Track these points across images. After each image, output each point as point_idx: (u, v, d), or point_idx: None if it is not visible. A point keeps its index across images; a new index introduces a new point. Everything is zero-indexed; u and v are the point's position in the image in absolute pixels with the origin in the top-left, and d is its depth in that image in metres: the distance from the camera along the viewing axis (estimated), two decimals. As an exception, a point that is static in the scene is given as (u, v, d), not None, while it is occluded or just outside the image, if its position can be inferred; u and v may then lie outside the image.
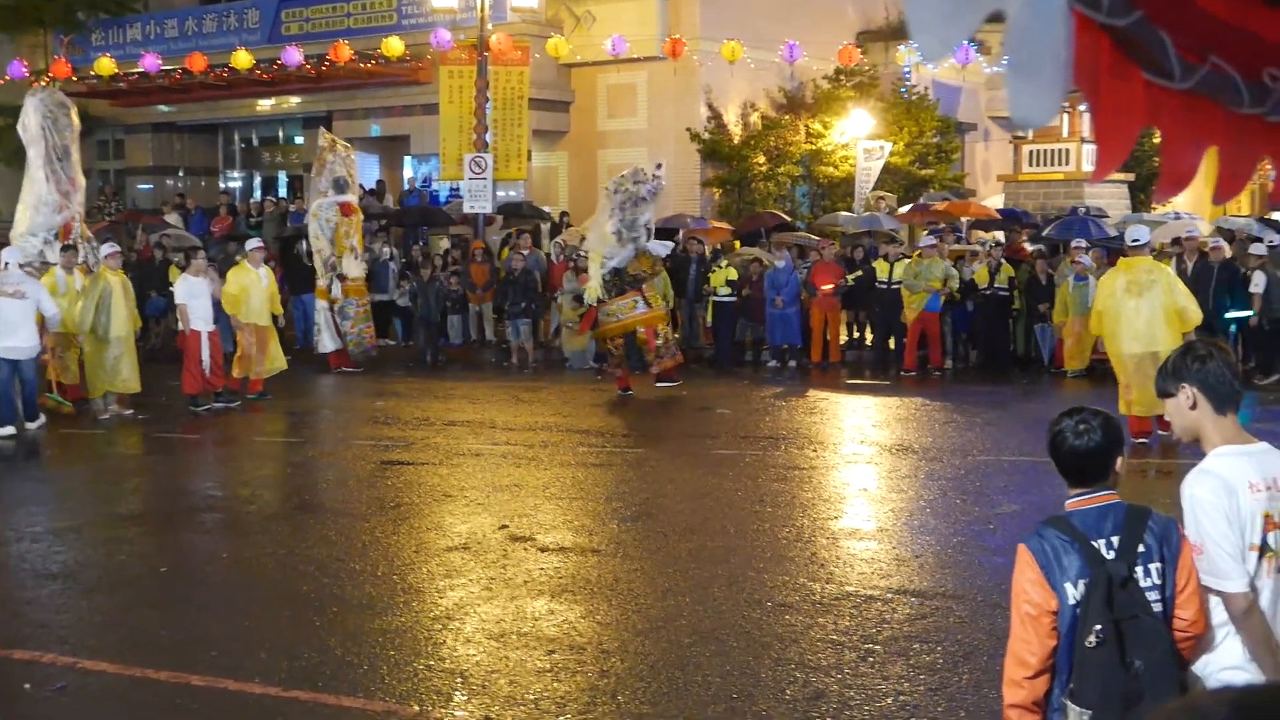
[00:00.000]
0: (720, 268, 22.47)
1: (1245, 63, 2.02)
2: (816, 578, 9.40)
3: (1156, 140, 1.99)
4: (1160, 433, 13.97)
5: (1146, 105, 1.83)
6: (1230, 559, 3.92)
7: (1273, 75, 2.10)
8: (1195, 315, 14.04)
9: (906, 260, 21.68)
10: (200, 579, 9.84)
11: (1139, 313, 13.99)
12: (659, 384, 19.20)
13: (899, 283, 21.32)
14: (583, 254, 21.46)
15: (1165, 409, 4.23)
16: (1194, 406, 4.08)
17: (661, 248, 19.68)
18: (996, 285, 21.25)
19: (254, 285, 18.40)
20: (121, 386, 17.30)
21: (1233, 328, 19.42)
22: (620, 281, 18.66)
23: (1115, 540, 3.97)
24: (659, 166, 19.45)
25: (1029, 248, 22.65)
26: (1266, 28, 2.18)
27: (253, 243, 19.45)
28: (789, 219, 27.77)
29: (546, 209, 29.65)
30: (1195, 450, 4.23)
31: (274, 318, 18.94)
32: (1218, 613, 4.04)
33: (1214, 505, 3.95)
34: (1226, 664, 4.05)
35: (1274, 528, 3.96)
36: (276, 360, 18.84)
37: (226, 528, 11.59)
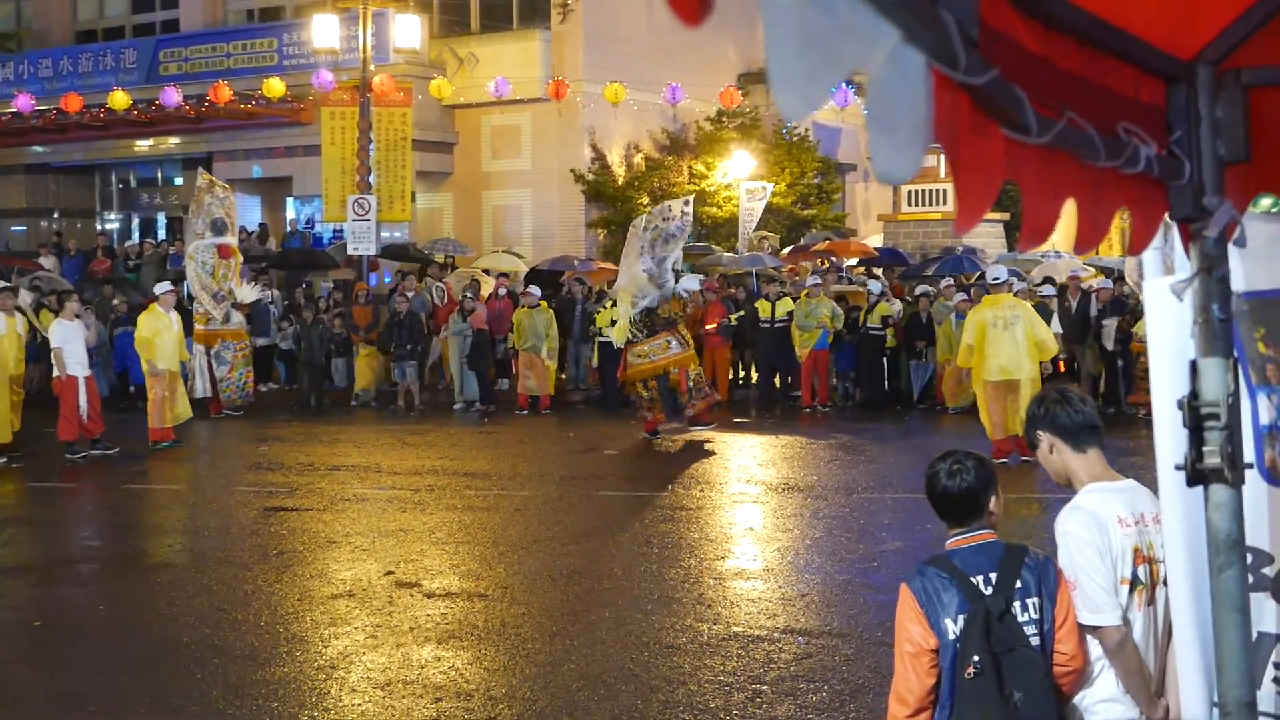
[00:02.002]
0: (605, 308, 22.51)
1: (1100, 117, 2.08)
2: (704, 619, 9.42)
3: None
4: (1023, 458, 14.71)
5: (1006, 160, 1.87)
6: (1104, 592, 4.00)
7: (1126, 129, 2.17)
8: (1052, 346, 15.80)
9: (789, 299, 21.97)
10: (77, 632, 9.58)
11: (1003, 345, 15.25)
12: (692, 428, 18.70)
13: (782, 321, 21.60)
14: (609, 295, 21.55)
15: (1040, 458, 4.34)
16: (1052, 450, 4.21)
17: (692, 282, 19.49)
18: (869, 325, 21.60)
19: (166, 329, 18.18)
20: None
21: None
22: (652, 322, 18.22)
23: (993, 576, 4.06)
24: (686, 203, 19.12)
25: (917, 288, 23.02)
26: (1119, 83, 2.25)
27: (162, 286, 19.17)
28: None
29: (428, 250, 29.51)
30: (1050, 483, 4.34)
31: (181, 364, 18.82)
32: (1094, 647, 4.12)
33: (1086, 540, 4.04)
34: (1102, 696, 4.13)
35: (1143, 561, 4.05)
36: (184, 408, 18.57)
37: (104, 579, 11.33)
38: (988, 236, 30.75)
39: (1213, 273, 2.45)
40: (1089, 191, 2.13)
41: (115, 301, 23.06)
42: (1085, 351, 20.44)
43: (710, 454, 17.39)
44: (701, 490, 14.59)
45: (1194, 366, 2.44)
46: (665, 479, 15.28)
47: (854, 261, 28.51)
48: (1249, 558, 2.67)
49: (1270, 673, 2.77)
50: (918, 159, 1.66)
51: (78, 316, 17.70)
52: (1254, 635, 2.69)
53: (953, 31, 1.62)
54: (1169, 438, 2.60)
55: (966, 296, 20.07)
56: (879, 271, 27.33)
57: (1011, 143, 1.87)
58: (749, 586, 10.34)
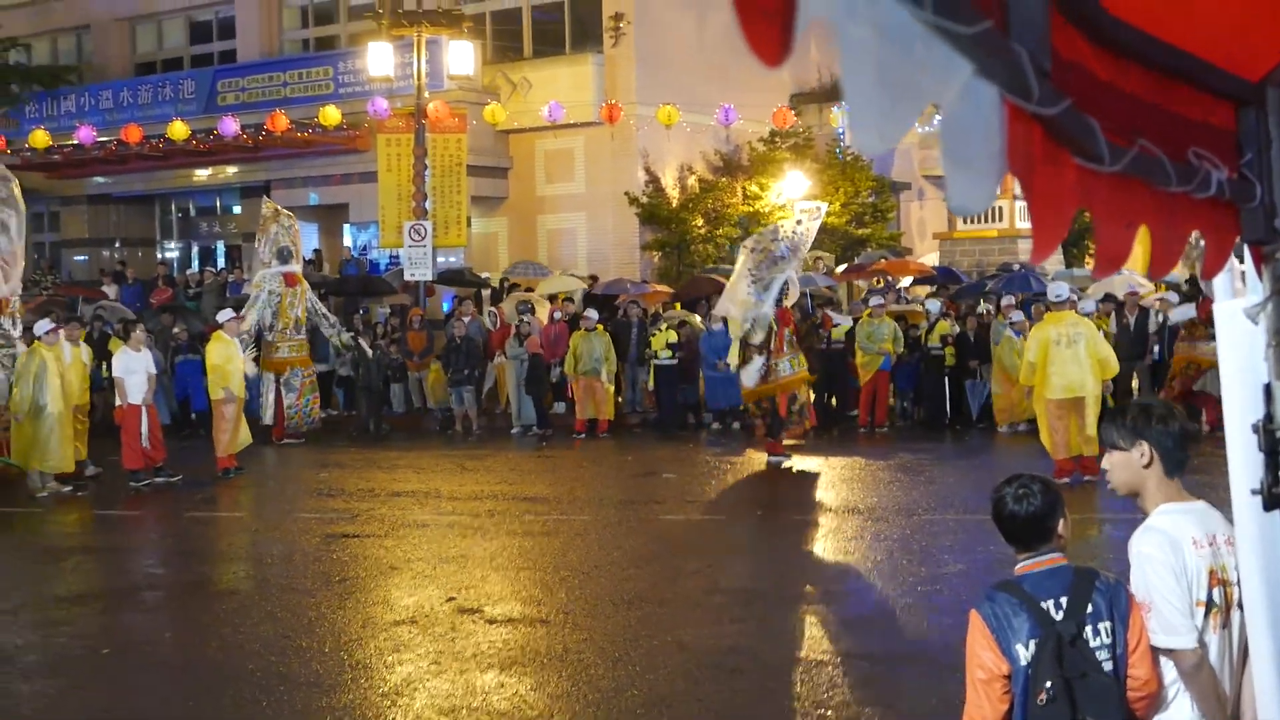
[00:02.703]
0: (660, 331, 22.55)
1: (1171, 143, 2.07)
2: (766, 642, 9.40)
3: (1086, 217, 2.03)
4: (1084, 477, 14.59)
5: (1078, 189, 1.87)
6: (1180, 614, 3.96)
7: (1197, 154, 2.16)
8: (1114, 365, 15.60)
9: (847, 321, 22.01)
10: (143, 660, 9.69)
11: (1067, 363, 15.12)
12: (769, 458, 17.92)
13: (838, 343, 21.60)
14: (664, 318, 21.62)
15: (1108, 460, 4.24)
16: (1148, 465, 4.10)
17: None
18: (929, 345, 21.51)
19: (235, 355, 18.44)
20: (52, 467, 17.11)
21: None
22: (766, 343, 17.66)
23: (1063, 601, 4.03)
24: (798, 221, 18.42)
25: (978, 307, 22.90)
26: (1189, 108, 2.24)
27: (225, 314, 19.40)
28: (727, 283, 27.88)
29: (486, 275, 29.67)
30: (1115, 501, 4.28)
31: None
32: (1169, 671, 4.08)
33: (1162, 562, 4.00)
34: (1178, 720, 4.09)
35: (1218, 584, 4.01)
36: (245, 435, 18.80)
37: (169, 606, 11.45)
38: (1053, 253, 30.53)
39: (1286, 296, 2.43)
40: (1161, 217, 2.12)
41: (176, 330, 23.33)
42: (1141, 368, 20.24)
43: (768, 477, 17.34)
44: (761, 513, 14.57)
45: (1269, 390, 2.43)
46: (724, 503, 15.27)
47: (909, 281, 28.41)
48: (1327, 582, 2.65)
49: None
50: (993, 191, 1.66)
51: (143, 345, 17.93)
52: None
53: (1025, 63, 1.62)
54: (1243, 461, 2.58)
55: (1024, 315, 19.95)
56: (932, 290, 27.20)
57: (1084, 171, 1.86)
58: (813, 610, 10.31)
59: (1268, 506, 2.41)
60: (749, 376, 17.67)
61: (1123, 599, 4.05)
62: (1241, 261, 2.70)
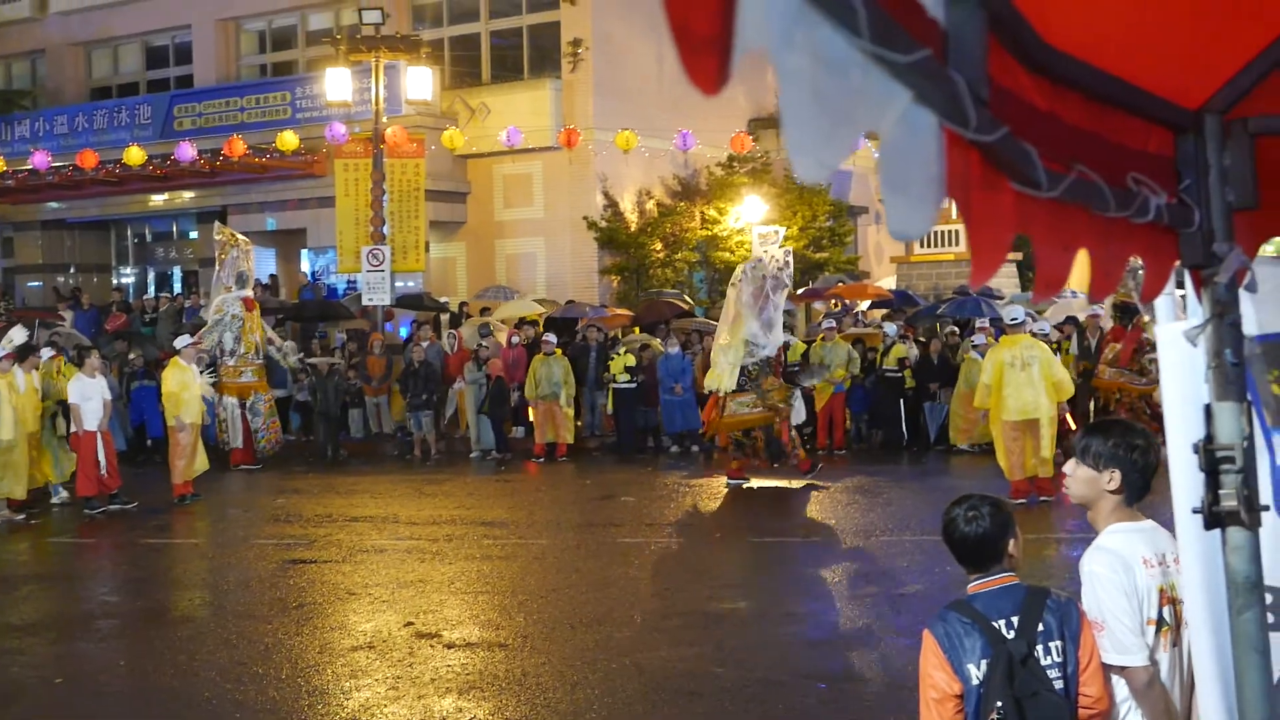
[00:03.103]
0: (619, 355, 22.58)
1: (1110, 169, 2.11)
2: (724, 664, 9.41)
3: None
4: (1040, 498, 14.77)
5: (1017, 214, 1.91)
6: (1131, 633, 4.00)
7: (1135, 179, 2.20)
8: (1069, 387, 15.88)
9: (800, 344, 22.13)
10: (97, 690, 9.61)
11: (1023, 385, 15.28)
12: (729, 481, 18.13)
13: (793, 366, 21.66)
14: (622, 343, 21.80)
15: (1070, 468, 4.27)
16: (1115, 490, 4.13)
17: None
18: (885, 367, 21.64)
19: (191, 383, 18.34)
20: (4, 493, 16.99)
21: None
22: (762, 371, 17.73)
23: (1015, 620, 4.06)
24: (788, 252, 18.72)
25: (943, 329, 23.05)
26: (1128, 136, 2.29)
27: (182, 340, 19.31)
28: (686, 306, 27.96)
29: (444, 300, 29.63)
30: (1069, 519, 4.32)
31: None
32: (1120, 689, 4.11)
33: (1113, 581, 4.04)
34: (1125, 741, 4.13)
35: (1168, 602, 4.05)
36: (202, 461, 18.71)
37: (124, 635, 11.35)
38: (1003, 277, 30.78)
39: (1225, 318, 2.48)
40: (1100, 241, 2.17)
41: (131, 356, 23.19)
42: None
43: (729, 499, 17.38)
44: (719, 536, 14.59)
45: (1208, 411, 2.47)
46: (683, 525, 15.28)
47: (866, 304, 28.54)
48: (1269, 598, 2.69)
49: (1293, 713, 2.78)
50: (931, 216, 1.69)
51: (98, 372, 17.80)
52: (1276, 676, 2.70)
53: (963, 91, 1.65)
54: (1185, 481, 2.62)
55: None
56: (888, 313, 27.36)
57: (1022, 196, 1.90)
58: (769, 631, 10.32)
59: (1208, 525, 2.45)
60: (797, 414, 17.95)
61: (1074, 617, 4.08)
62: (1181, 286, 2.75)
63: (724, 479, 18.26)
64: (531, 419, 22.56)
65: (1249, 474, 2.42)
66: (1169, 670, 4.09)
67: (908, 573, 12.20)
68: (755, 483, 18.01)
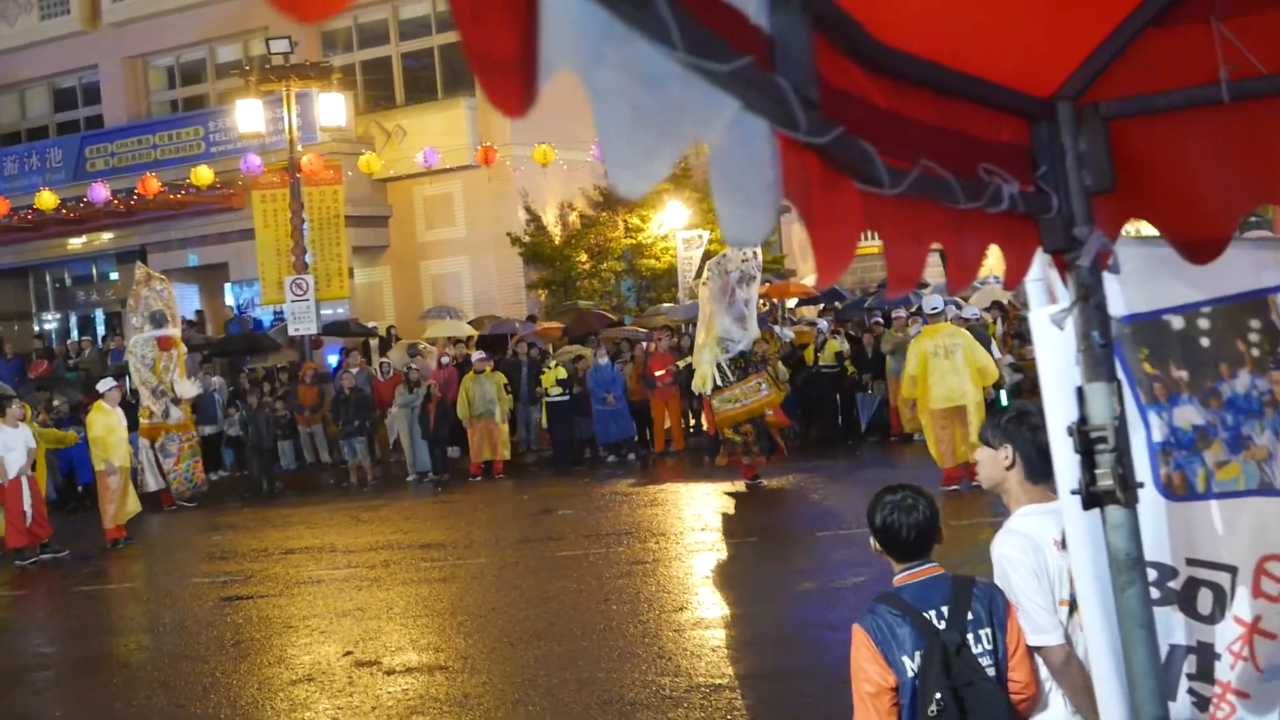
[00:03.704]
0: (550, 368, 22.55)
1: (959, 161, 2.14)
2: (665, 672, 9.41)
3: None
4: (973, 483, 14.83)
5: (862, 212, 1.92)
6: (1044, 612, 4.03)
7: (987, 170, 2.23)
8: (994, 371, 15.98)
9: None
10: (33, 742, 9.47)
11: (947, 373, 15.41)
12: (747, 480, 17.98)
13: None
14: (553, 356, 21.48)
15: (979, 454, 4.32)
16: (1010, 466, 4.18)
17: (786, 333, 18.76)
18: (823, 363, 21.73)
19: (118, 426, 18.12)
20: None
21: None
22: (745, 364, 17.56)
23: (944, 610, 4.05)
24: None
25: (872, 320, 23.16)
26: (978, 127, 2.32)
27: (106, 383, 19.08)
28: (613, 318, 27.96)
29: (372, 325, 29.46)
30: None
31: None
32: (1042, 669, 4.15)
33: (1023, 563, 4.06)
34: (1054, 718, 4.15)
35: (1080, 582, 4.09)
36: (134, 504, 18.49)
37: (59, 685, 11.19)
38: (930, 266, 30.98)
39: (1090, 300, 2.51)
40: (954, 234, 2.19)
41: (56, 403, 22.87)
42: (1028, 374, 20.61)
43: (666, 505, 17.40)
44: (657, 542, 14.58)
45: (1080, 392, 2.50)
46: (621, 534, 15.27)
47: (794, 302, 28.68)
48: (1153, 573, 2.72)
49: (1184, 684, 2.82)
50: (769, 221, 1.70)
51: (20, 422, 17.53)
52: (1165, 649, 2.74)
53: (790, 96, 1.67)
54: (1065, 463, 2.66)
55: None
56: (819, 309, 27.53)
57: (867, 195, 1.92)
58: (709, 635, 10.34)
59: (1086, 505, 2.49)
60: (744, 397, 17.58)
61: (1000, 604, 4.10)
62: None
63: (667, 484, 18.27)
64: (468, 439, 22.44)
65: (1123, 453, 2.46)
66: (1084, 650, 4.13)
67: (843, 566, 12.26)
68: (696, 486, 18.02)
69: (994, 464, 4.22)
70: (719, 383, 17.51)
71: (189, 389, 22.01)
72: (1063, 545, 4.08)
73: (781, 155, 1.72)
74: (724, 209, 1.68)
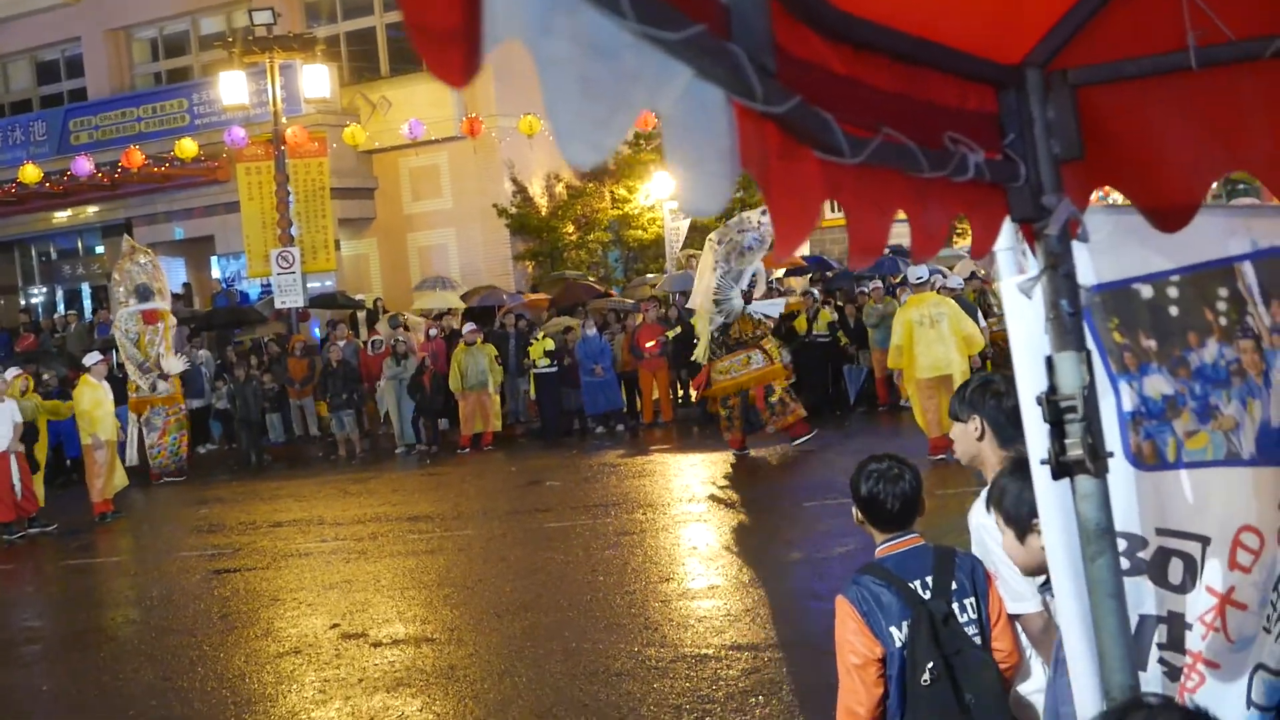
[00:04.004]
0: (538, 340, 22.53)
1: (923, 129, 2.12)
2: (651, 642, 9.43)
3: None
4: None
5: (823, 181, 1.90)
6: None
7: (952, 138, 2.21)
8: (979, 340, 15.99)
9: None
10: (21, 716, 9.48)
11: (932, 342, 15.47)
12: (794, 443, 17.98)
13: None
14: (540, 327, 21.71)
15: (953, 430, 4.32)
16: (980, 437, 4.19)
17: (772, 308, 18.54)
18: (816, 332, 21.69)
19: (104, 400, 18.08)
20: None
21: None
22: (730, 339, 17.54)
23: (929, 580, 4.05)
24: (764, 212, 18.23)
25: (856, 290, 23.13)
26: (942, 95, 2.30)
27: (92, 357, 19.03)
28: (601, 289, 27.91)
29: (360, 297, 29.41)
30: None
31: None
32: (1022, 637, 4.16)
33: (999, 540, 4.06)
34: (1037, 686, 4.16)
35: (1056, 550, 4.08)
36: (121, 478, 18.47)
37: (46, 659, 11.19)
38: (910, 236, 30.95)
39: (1058, 269, 2.50)
40: (917, 202, 2.17)
41: (45, 376, 22.81)
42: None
43: (654, 476, 17.42)
44: (644, 513, 14.60)
45: (1049, 362, 2.49)
46: (608, 505, 15.28)
47: (782, 272, 28.62)
48: (1123, 543, 2.72)
49: (1154, 654, 2.82)
50: (726, 191, 1.68)
51: (4, 396, 17.49)
52: (1135, 619, 2.73)
53: (744, 64, 1.64)
54: (1036, 434, 2.65)
55: (893, 296, 20.27)
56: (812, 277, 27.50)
57: (828, 164, 1.89)
58: (695, 606, 10.36)
59: (1056, 475, 2.48)
60: (725, 371, 17.54)
61: (981, 574, 4.10)
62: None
63: (655, 455, 18.28)
64: (460, 411, 22.40)
65: (1092, 422, 2.45)
66: (1062, 620, 4.14)
67: (829, 536, 12.26)
68: (687, 456, 18.05)
69: (966, 437, 4.23)
70: (713, 354, 17.52)
71: (175, 365, 21.98)
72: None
73: (738, 124, 1.70)
74: (680, 178, 1.66)
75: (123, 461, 19.43)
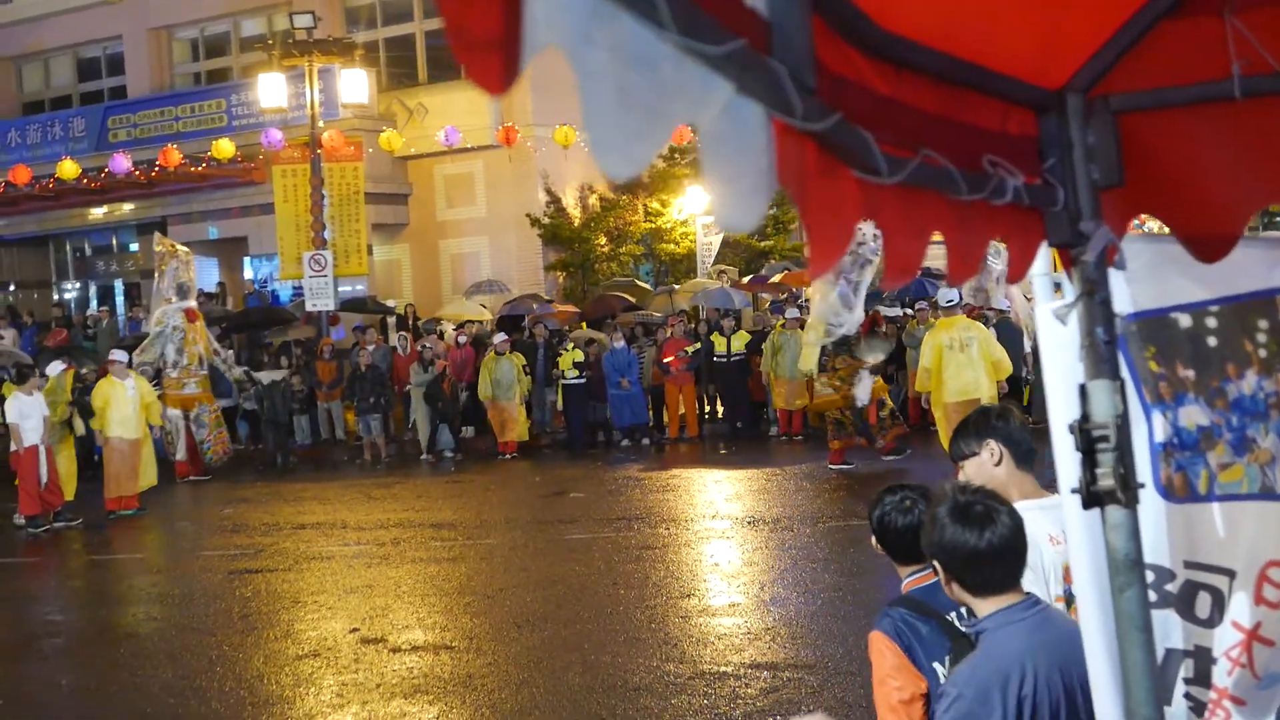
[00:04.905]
0: (567, 350, 22.52)
1: (962, 152, 2.10)
2: (670, 658, 9.40)
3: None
4: None
5: (861, 200, 1.89)
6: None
7: (992, 161, 2.19)
8: (1008, 366, 15.94)
9: (744, 333, 22.26)
10: (39, 710, 9.51)
11: (961, 367, 15.43)
12: (885, 457, 17.73)
13: (739, 355, 21.76)
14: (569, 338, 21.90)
15: (964, 471, 4.25)
16: (999, 463, 4.12)
17: (875, 351, 17.91)
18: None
19: (118, 397, 18.09)
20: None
21: None
22: (848, 350, 17.16)
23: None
24: (876, 235, 17.90)
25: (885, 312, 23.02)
26: (983, 117, 2.28)
27: (115, 354, 19.11)
28: (633, 300, 27.90)
29: (391, 302, 29.48)
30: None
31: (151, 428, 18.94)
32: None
33: None
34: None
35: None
36: (149, 475, 18.52)
37: (67, 654, 11.23)
38: (945, 259, 30.83)
39: (1094, 296, 2.47)
40: (956, 225, 2.15)
41: (84, 371, 22.90)
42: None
43: (678, 491, 17.39)
44: (667, 528, 14.57)
45: (1083, 390, 2.47)
46: (632, 519, 15.26)
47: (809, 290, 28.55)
48: (1151, 575, 2.69)
49: (1180, 689, 2.79)
50: (762, 207, 1.67)
51: (36, 390, 17.59)
52: (1161, 653, 2.70)
53: (786, 81, 1.63)
54: (1067, 461, 2.62)
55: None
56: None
57: (866, 184, 1.88)
58: (715, 623, 10.33)
59: (1086, 505, 2.45)
60: (863, 391, 17.19)
61: None
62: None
63: (679, 470, 18.25)
64: (489, 419, 22.40)
65: (1124, 452, 2.42)
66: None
67: (854, 559, 12.19)
68: (725, 473, 17.98)
69: (981, 469, 4.15)
70: (823, 366, 17.32)
71: (237, 370, 22.51)
72: (1060, 541, 4.05)
73: (776, 141, 1.69)
74: (716, 194, 1.64)
75: (166, 457, 19.56)
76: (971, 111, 2.22)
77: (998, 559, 3.22)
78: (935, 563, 3.32)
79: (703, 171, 1.64)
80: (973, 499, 3.24)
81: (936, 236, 2.13)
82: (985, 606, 3.28)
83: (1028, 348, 19.28)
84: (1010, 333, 18.48)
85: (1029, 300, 18.93)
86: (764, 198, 1.67)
